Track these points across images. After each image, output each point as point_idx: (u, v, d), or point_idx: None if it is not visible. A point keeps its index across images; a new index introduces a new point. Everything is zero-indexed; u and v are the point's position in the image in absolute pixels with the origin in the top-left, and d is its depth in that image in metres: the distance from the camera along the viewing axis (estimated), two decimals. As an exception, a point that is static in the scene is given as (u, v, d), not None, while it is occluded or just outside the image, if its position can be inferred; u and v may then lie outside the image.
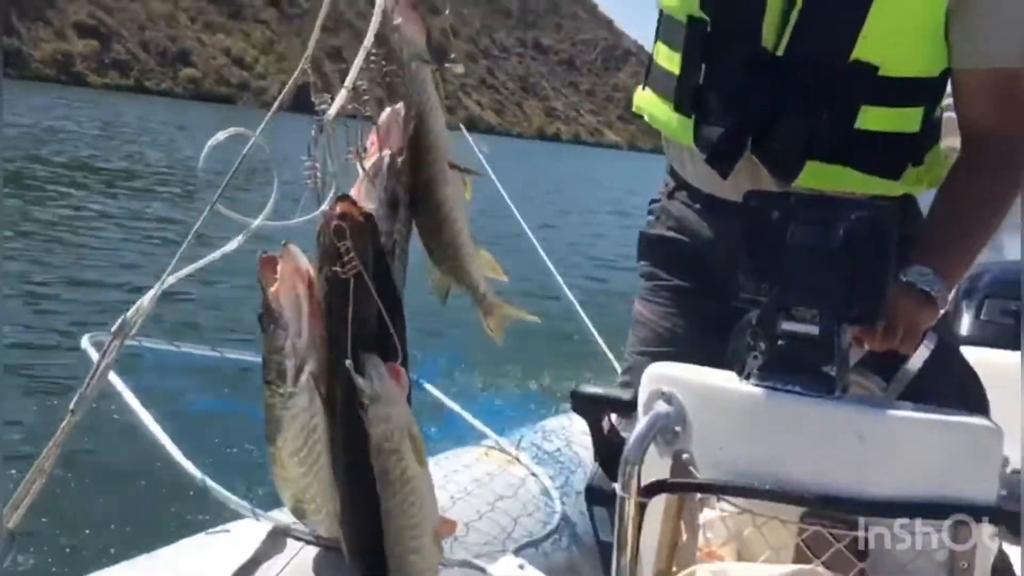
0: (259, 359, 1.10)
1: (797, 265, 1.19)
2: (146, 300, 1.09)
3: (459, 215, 1.22)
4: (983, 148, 1.39)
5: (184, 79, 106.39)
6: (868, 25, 1.30)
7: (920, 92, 1.38)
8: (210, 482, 1.25)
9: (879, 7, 1.30)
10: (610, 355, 2.53)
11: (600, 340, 2.66)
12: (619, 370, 1.77)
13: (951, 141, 1.50)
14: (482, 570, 1.25)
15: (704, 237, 1.55)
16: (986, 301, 3.01)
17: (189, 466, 1.26)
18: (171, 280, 1.11)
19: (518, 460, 1.83)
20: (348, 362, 1.00)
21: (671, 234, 1.61)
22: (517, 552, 1.32)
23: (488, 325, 1.35)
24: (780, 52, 1.36)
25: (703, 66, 1.42)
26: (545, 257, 2.63)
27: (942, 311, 1.36)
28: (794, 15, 1.34)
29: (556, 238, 14.84)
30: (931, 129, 1.45)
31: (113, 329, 1.09)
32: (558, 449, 1.97)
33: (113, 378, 1.23)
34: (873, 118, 1.36)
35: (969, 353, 2.50)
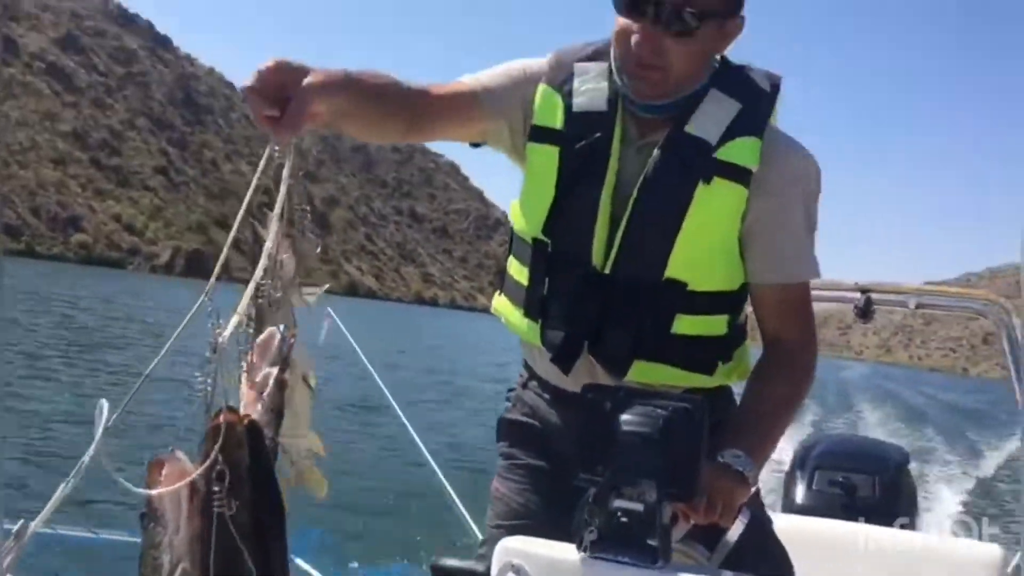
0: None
1: (625, 449, 1.39)
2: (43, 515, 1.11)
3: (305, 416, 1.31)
4: (776, 351, 1.67)
5: (75, 244, 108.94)
6: (675, 251, 1.57)
7: (724, 303, 1.64)
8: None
9: (684, 236, 1.56)
10: (474, 526, 2.64)
11: (464, 512, 2.77)
12: (476, 532, 1.90)
13: None
14: None
15: (552, 423, 1.74)
16: (816, 472, 3.29)
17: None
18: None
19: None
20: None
21: (525, 419, 1.79)
22: None
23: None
24: (607, 271, 1.61)
25: (546, 280, 1.67)
26: (413, 432, 2.76)
27: (753, 488, 1.56)
28: (617, 242, 1.60)
29: (432, 406, 14.94)
30: (737, 331, 1.70)
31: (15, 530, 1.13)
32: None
33: None
34: (686, 324, 1.61)
35: (803, 523, 2.76)
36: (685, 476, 1.38)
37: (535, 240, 1.67)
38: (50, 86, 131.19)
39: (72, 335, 20.09)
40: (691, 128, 1.59)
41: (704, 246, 1.58)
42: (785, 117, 1.66)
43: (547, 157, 1.63)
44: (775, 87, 1.65)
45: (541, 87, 1.66)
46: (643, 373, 1.61)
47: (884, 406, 23.94)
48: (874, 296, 3.23)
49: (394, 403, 2.92)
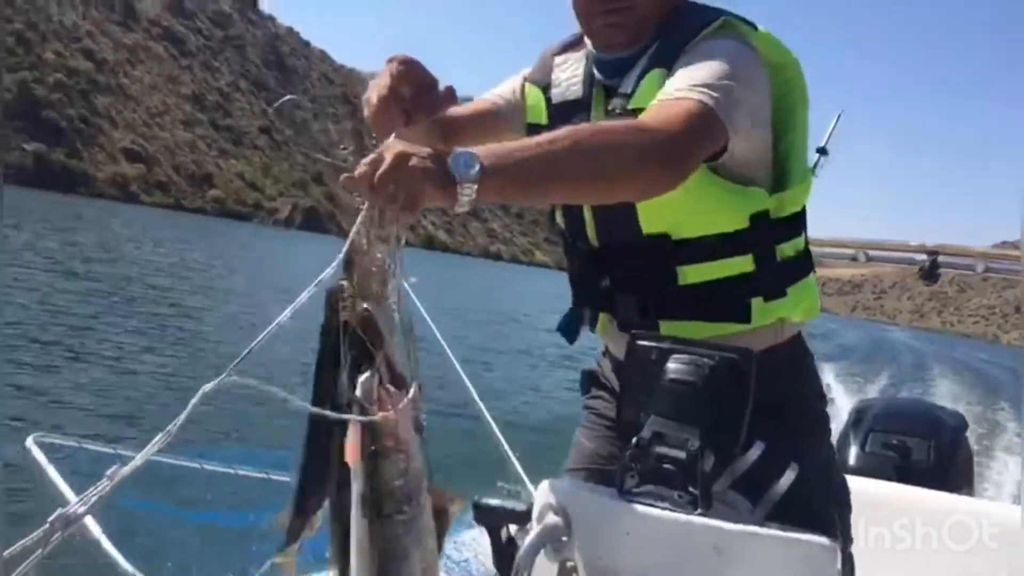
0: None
1: (669, 397, 1.39)
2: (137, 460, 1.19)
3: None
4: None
5: (211, 199, 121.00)
6: (639, 207, 1.56)
7: (732, 243, 1.58)
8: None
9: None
10: (521, 472, 2.67)
11: (514, 459, 2.80)
12: (530, 486, 1.94)
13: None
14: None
15: (614, 385, 1.77)
16: (870, 435, 3.25)
17: (127, 566, 1.35)
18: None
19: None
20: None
21: (602, 376, 1.85)
22: None
23: None
24: (595, 243, 1.67)
25: (570, 260, 1.78)
26: (468, 383, 2.78)
27: (464, 196, 1.15)
28: (587, 211, 1.65)
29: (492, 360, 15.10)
30: (776, 267, 1.62)
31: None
32: (466, 560, 2.09)
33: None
34: (692, 274, 1.59)
35: (854, 483, 2.73)
36: (729, 426, 1.38)
37: (558, 225, 1.77)
38: (167, 50, 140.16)
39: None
40: (623, 87, 1.60)
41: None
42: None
43: None
44: (708, 23, 1.56)
45: (528, 87, 1.76)
46: (674, 331, 1.59)
47: (951, 374, 23.48)
48: (941, 259, 3.15)
49: (457, 366, 2.92)
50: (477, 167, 1.14)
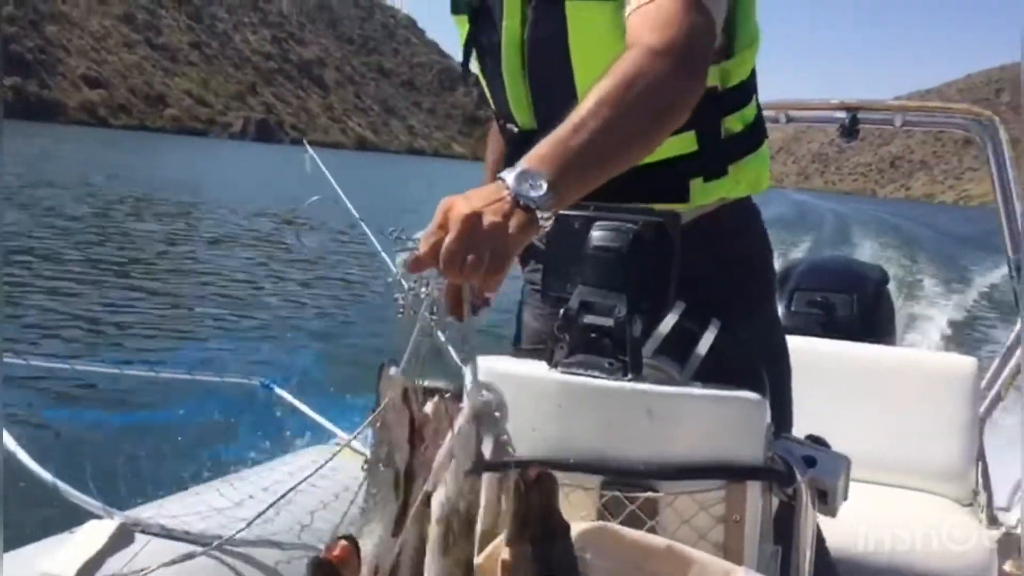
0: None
1: (595, 265, 1.36)
2: None
3: None
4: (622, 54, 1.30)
5: (169, 118, 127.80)
6: (577, 80, 1.49)
7: None
8: (61, 484, 1.30)
9: (577, 61, 1.48)
10: (452, 352, 2.65)
11: (442, 336, 2.77)
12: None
13: None
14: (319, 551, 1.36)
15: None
16: (795, 293, 3.32)
17: (38, 469, 1.30)
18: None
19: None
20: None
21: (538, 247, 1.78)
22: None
23: None
24: (535, 127, 1.57)
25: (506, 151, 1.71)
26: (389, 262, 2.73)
27: (542, 209, 1.08)
28: (526, 93, 1.58)
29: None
30: (721, 145, 1.55)
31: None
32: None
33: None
34: None
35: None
36: (655, 290, 1.36)
37: (494, 112, 1.70)
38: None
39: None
40: None
41: (603, 63, 1.34)
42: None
43: (462, 27, 1.67)
44: None
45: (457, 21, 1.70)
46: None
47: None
48: (860, 115, 3.16)
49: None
50: (544, 185, 1.07)
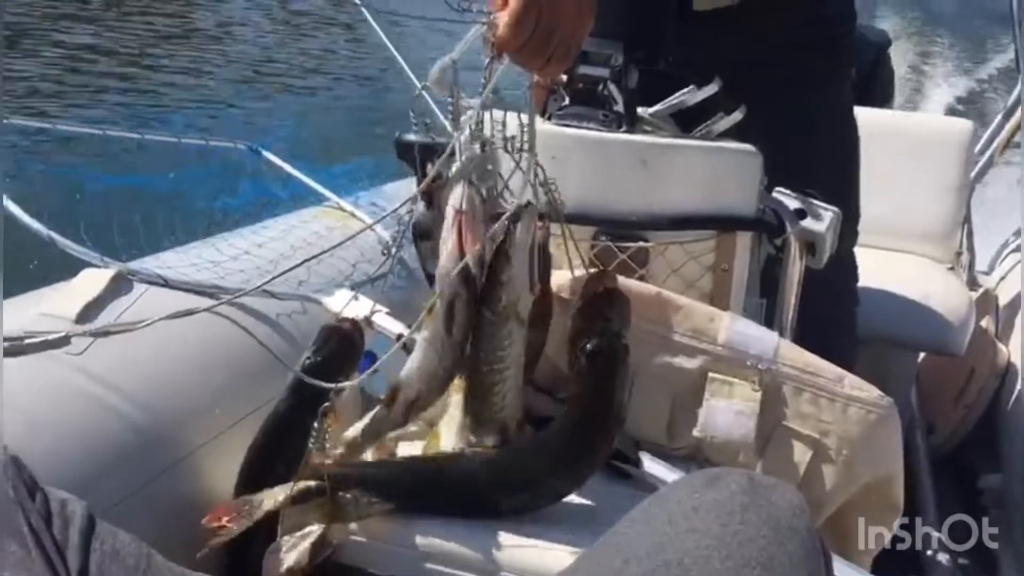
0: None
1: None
2: None
3: None
4: None
5: None
6: None
7: None
8: (56, 235, 1.30)
9: None
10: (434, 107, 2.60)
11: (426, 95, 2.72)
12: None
13: None
14: (317, 302, 1.39)
15: None
16: None
17: (32, 222, 1.30)
18: None
19: (354, 215, 1.94)
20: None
21: None
22: (352, 288, 1.44)
23: None
24: None
25: None
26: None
27: None
28: None
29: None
30: None
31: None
32: (395, 208, 2.07)
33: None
34: None
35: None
36: (652, 38, 1.31)
37: None
38: None
39: None
40: None
41: None
42: None
43: None
44: None
45: None
46: None
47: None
48: None
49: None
50: None
